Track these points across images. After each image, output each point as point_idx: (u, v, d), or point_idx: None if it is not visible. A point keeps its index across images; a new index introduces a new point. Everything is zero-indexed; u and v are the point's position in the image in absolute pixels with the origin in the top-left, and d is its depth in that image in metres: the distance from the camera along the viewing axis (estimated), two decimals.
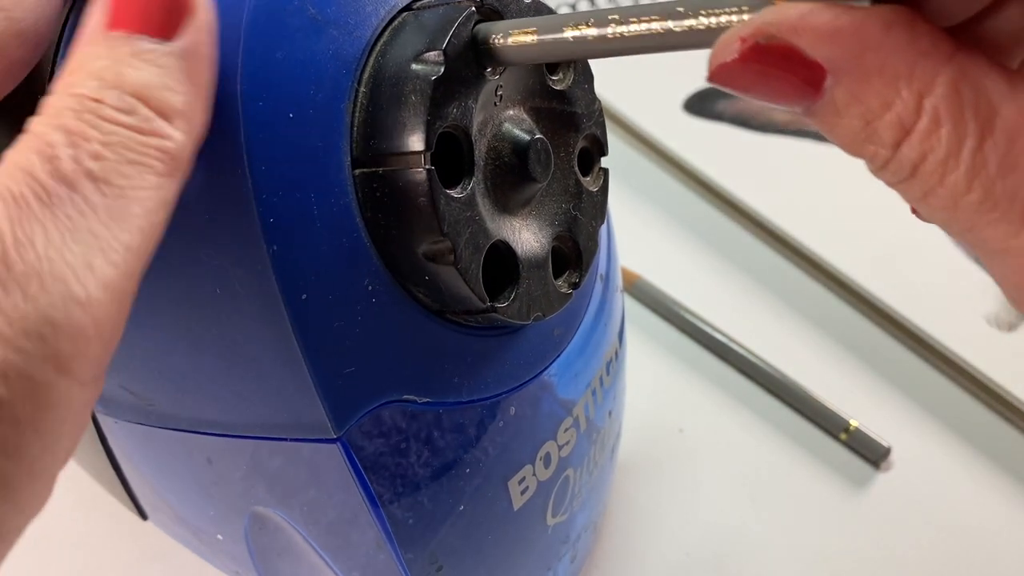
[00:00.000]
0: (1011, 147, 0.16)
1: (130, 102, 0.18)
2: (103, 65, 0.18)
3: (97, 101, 0.18)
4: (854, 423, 0.48)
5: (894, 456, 0.47)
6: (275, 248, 0.21)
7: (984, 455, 0.48)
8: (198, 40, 0.19)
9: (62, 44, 0.22)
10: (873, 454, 0.47)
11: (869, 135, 0.16)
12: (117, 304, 0.17)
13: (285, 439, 0.24)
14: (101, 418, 0.29)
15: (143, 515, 0.35)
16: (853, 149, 0.17)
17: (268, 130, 0.21)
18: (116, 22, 0.18)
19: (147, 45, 0.18)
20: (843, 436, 0.48)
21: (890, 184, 0.17)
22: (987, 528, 0.45)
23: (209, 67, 0.20)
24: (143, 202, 0.18)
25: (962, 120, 0.16)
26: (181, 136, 0.19)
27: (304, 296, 0.21)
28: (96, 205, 0.17)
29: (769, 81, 0.17)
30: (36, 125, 0.17)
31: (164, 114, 0.18)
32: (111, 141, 0.17)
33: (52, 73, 0.22)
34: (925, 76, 0.16)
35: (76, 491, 0.42)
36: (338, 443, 0.23)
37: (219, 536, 0.31)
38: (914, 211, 0.18)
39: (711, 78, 0.17)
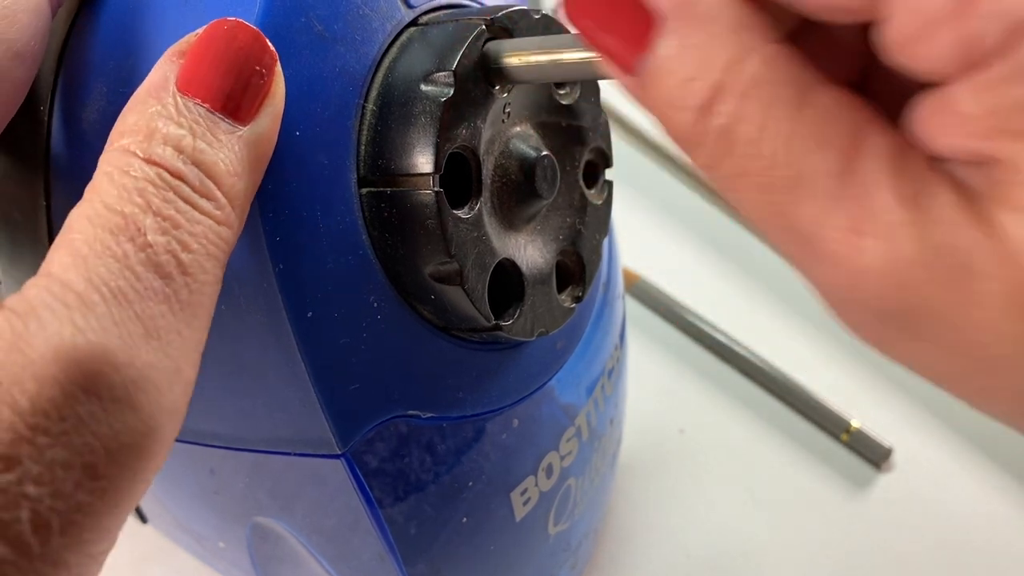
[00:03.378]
0: (826, 121, 0.15)
1: (208, 186, 0.16)
2: (179, 134, 0.16)
3: (178, 178, 0.16)
4: (855, 424, 0.48)
5: (896, 457, 0.47)
6: (281, 266, 0.21)
7: (985, 456, 0.48)
8: (270, 129, 0.18)
9: (62, 66, 0.22)
10: (874, 455, 0.47)
11: (684, 96, 0.15)
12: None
13: (289, 453, 0.24)
14: None
15: (143, 519, 0.35)
16: (666, 115, 0.16)
17: (274, 148, 0.20)
18: (190, 86, 0.17)
19: (225, 126, 0.17)
20: (844, 437, 0.48)
21: (706, 165, 0.16)
22: (988, 529, 0.45)
23: (268, 159, 0.18)
24: (212, 297, 0.16)
25: (782, 85, 0.15)
26: (239, 225, 0.17)
27: (310, 313, 0.21)
28: (185, 302, 0.15)
29: (608, 22, 0.16)
30: (118, 200, 0.16)
31: (232, 202, 0.17)
32: (196, 231, 0.16)
33: (53, 94, 0.22)
34: (753, 39, 0.15)
35: None
36: (342, 458, 0.23)
37: (221, 543, 0.31)
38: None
39: (563, 5, 0.17)
